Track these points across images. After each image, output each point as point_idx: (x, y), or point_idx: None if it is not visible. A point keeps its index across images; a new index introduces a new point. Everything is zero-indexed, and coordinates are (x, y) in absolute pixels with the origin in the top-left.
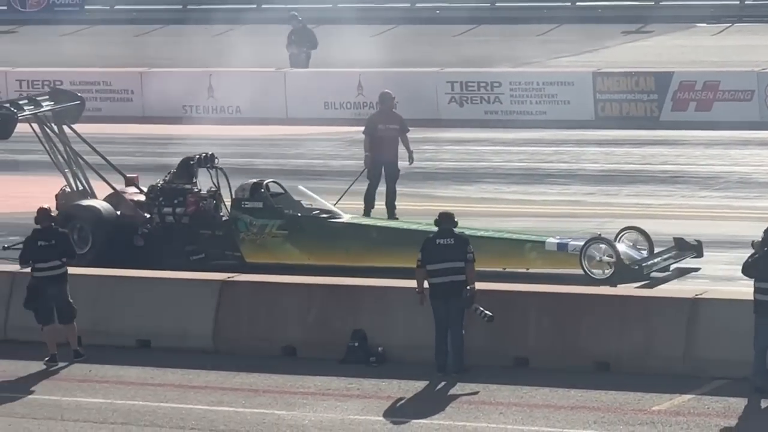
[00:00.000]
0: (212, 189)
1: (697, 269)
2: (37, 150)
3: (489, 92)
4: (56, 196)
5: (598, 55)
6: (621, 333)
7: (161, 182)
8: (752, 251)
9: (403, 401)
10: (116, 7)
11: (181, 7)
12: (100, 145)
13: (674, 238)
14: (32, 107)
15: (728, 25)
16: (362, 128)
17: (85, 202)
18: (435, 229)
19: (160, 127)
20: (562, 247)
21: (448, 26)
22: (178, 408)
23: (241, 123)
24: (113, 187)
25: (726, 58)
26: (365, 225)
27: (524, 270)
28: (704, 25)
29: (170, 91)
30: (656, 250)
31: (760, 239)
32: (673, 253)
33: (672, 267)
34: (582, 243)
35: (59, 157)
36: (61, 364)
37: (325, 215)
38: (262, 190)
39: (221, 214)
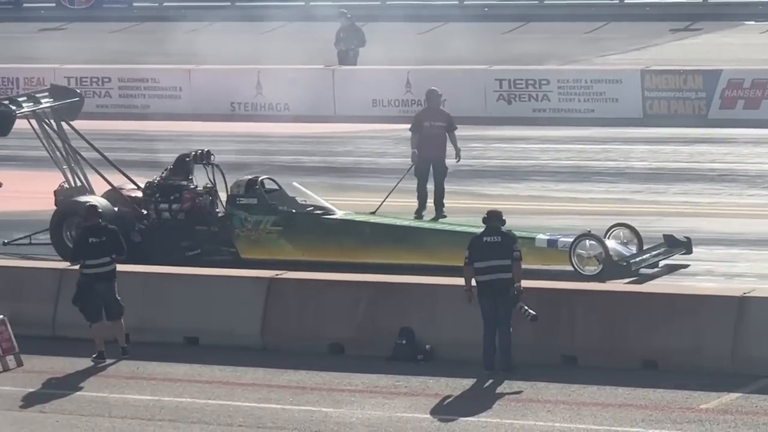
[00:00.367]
0: (208, 185)
1: (686, 266)
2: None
3: (537, 90)
4: (55, 192)
5: (646, 53)
6: (669, 331)
7: (158, 179)
8: None
9: (450, 399)
10: (165, 4)
11: (229, 3)
12: (147, 142)
13: (664, 235)
14: (31, 104)
15: None
16: (410, 125)
17: (83, 199)
18: (426, 224)
19: (207, 125)
20: (552, 243)
21: (497, 24)
22: (225, 405)
23: (289, 120)
24: (111, 184)
25: None
26: (358, 221)
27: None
28: (752, 23)
29: (218, 88)
30: (668, 247)
31: None
32: (662, 249)
33: (661, 263)
34: (572, 239)
35: (57, 153)
36: (108, 361)
37: (318, 212)
38: (257, 187)
39: (217, 210)
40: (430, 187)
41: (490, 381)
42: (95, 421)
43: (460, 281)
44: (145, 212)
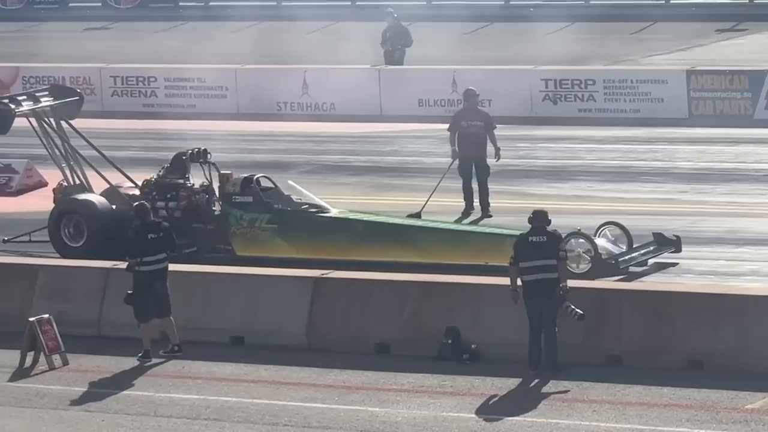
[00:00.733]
0: (204, 184)
1: (675, 264)
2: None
3: (583, 90)
4: (54, 190)
5: (692, 53)
6: (714, 331)
7: (155, 177)
8: None
9: (496, 398)
10: (210, 3)
11: (275, 3)
12: (194, 141)
13: (653, 233)
14: (30, 103)
15: None
16: (448, 125)
17: (81, 196)
18: (419, 223)
19: (254, 124)
20: None
21: (543, 24)
22: (271, 404)
23: (335, 120)
24: (108, 182)
25: None
26: (351, 219)
27: (506, 264)
28: None
29: (264, 87)
30: (658, 245)
31: None
32: (652, 248)
33: (650, 262)
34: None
35: (56, 151)
36: (154, 361)
37: (313, 209)
38: (252, 185)
39: (213, 208)
40: (476, 186)
41: (536, 381)
42: (141, 420)
43: (506, 281)
44: None
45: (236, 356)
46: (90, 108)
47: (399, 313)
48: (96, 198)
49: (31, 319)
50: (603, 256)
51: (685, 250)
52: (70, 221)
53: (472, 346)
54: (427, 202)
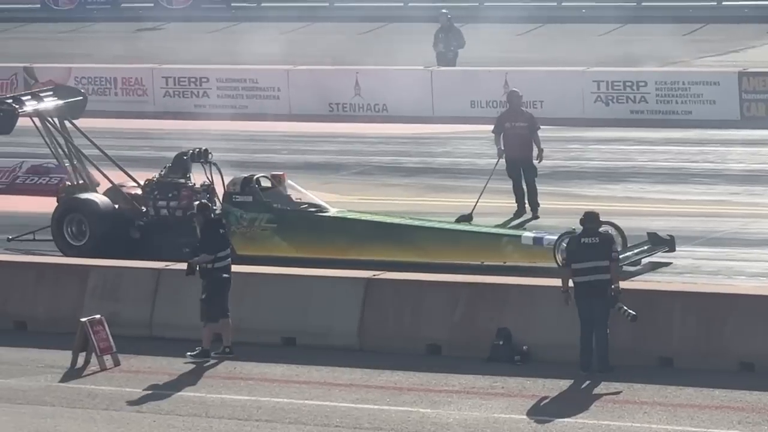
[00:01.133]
0: (205, 183)
1: (668, 263)
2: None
3: (635, 92)
4: (58, 189)
5: (744, 55)
6: (766, 333)
7: (156, 176)
8: None
9: (547, 400)
10: (263, 4)
11: (327, 4)
12: (245, 142)
13: (648, 233)
14: (34, 103)
15: None
16: (493, 127)
17: (83, 196)
18: (417, 223)
19: (306, 125)
20: (537, 241)
21: (594, 25)
22: (322, 405)
23: (388, 121)
24: (111, 181)
25: None
26: (350, 219)
27: (501, 263)
28: None
29: (317, 88)
30: (651, 245)
31: None
32: (645, 247)
33: (644, 261)
34: (556, 237)
35: (60, 151)
36: (207, 361)
37: (312, 209)
38: (252, 185)
39: (214, 207)
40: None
41: (587, 382)
42: (192, 421)
43: (558, 282)
44: (144, 209)
45: (288, 357)
46: (142, 109)
47: (450, 314)
48: (98, 197)
49: (83, 319)
50: None
51: (736, 252)
52: (72, 220)
53: (524, 347)
54: (476, 203)
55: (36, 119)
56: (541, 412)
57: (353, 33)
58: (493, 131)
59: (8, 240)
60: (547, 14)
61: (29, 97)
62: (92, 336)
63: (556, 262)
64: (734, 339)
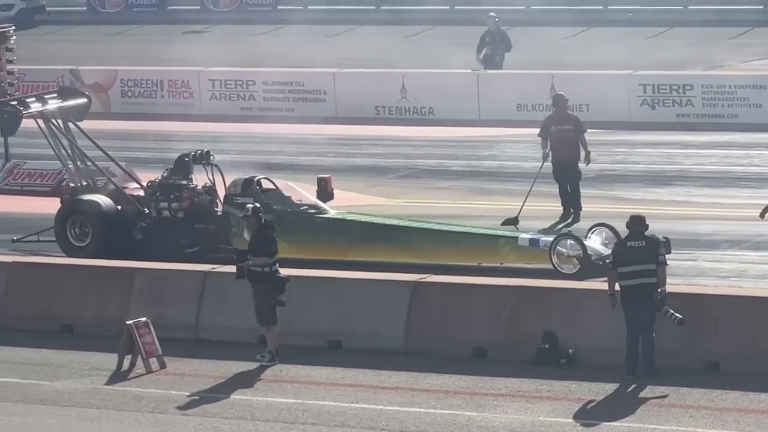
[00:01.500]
0: (207, 185)
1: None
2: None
3: (681, 95)
4: (61, 191)
5: None
6: None
7: (159, 178)
8: None
9: (593, 403)
10: (309, 7)
11: (374, 7)
12: (294, 145)
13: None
14: (38, 105)
15: None
16: (539, 131)
17: (86, 197)
18: (415, 224)
19: (352, 128)
20: (534, 242)
21: (640, 29)
22: (368, 408)
23: (434, 124)
24: (114, 183)
25: None
26: (349, 220)
27: (498, 264)
28: None
29: (363, 92)
30: None
31: None
32: None
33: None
34: (552, 239)
35: (63, 152)
36: (252, 365)
37: (312, 211)
38: (253, 186)
39: (215, 208)
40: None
41: (633, 386)
42: (238, 424)
43: (604, 286)
44: (146, 210)
45: (334, 360)
46: (188, 111)
47: (496, 317)
48: (101, 198)
49: (129, 322)
50: (592, 258)
51: None
52: (75, 222)
53: (570, 350)
54: (522, 206)
55: (40, 121)
56: (586, 415)
57: (400, 36)
58: (539, 134)
59: (12, 241)
60: (594, 17)
61: (33, 98)
62: (138, 339)
63: (552, 263)
64: None
